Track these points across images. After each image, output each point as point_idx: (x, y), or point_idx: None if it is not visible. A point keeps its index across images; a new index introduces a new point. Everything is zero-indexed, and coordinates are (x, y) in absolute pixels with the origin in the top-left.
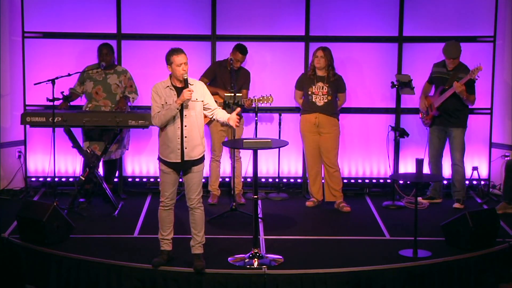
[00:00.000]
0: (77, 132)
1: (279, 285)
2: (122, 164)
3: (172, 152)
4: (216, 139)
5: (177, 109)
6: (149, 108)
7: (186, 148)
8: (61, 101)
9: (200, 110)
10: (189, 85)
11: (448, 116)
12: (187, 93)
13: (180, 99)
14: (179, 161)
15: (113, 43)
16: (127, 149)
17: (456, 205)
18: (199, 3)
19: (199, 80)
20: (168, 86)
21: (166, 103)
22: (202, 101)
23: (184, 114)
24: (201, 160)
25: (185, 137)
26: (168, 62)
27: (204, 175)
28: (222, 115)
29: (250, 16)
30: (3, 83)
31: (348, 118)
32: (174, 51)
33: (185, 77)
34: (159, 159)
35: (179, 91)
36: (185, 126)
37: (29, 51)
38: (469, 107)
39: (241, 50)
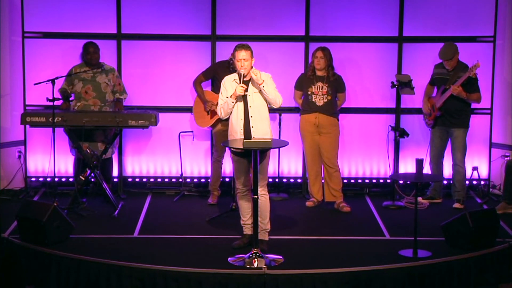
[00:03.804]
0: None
1: (279, 285)
2: (122, 164)
3: (235, 141)
4: (218, 140)
5: (232, 102)
6: (148, 108)
7: (254, 138)
8: (61, 101)
9: (264, 101)
10: (251, 77)
11: (450, 117)
12: (239, 89)
13: (234, 94)
14: (242, 151)
15: (113, 43)
16: (116, 148)
17: (456, 205)
18: (199, 3)
19: (197, 78)
20: (235, 80)
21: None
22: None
23: (248, 106)
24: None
25: (252, 127)
26: (233, 56)
27: (205, 175)
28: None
29: (250, 16)
30: (3, 83)
31: (348, 118)
32: (238, 46)
33: (241, 72)
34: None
35: (245, 83)
36: (251, 116)
37: (29, 51)
38: (473, 106)
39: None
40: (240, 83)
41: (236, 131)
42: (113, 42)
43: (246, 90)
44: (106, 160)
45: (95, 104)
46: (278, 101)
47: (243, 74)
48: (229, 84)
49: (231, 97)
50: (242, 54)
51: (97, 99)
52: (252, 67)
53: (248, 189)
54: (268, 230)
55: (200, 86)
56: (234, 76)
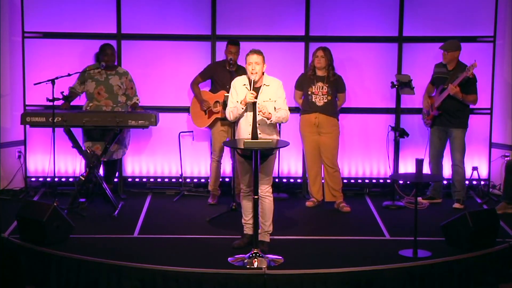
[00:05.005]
0: (78, 132)
1: (279, 285)
2: (122, 164)
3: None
4: (216, 140)
5: (242, 108)
6: (149, 108)
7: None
8: (61, 101)
9: (273, 109)
10: (264, 85)
11: (449, 117)
12: (249, 95)
13: (244, 101)
14: (247, 154)
15: (113, 43)
16: (127, 149)
17: (456, 205)
18: (199, 3)
19: (194, 79)
20: (245, 84)
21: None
22: (275, 101)
23: (257, 113)
24: (271, 151)
25: (259, 134)
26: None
27: (205, 175)
28: (279, 114)
29: (250, 16)
30: (3, 83)
31: (348, 118)
32: (250, 51)
33: (252, 78)
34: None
35: (255, 90)
36: (259, 124)
37: (29, 51)
38: (472, 106)
39: (232, 42)
40: (250, 89)
41: (243, 136)
42: (113, 42)
43: (256, 97)
44: (115, 161)
45: (107, 105)
46: (286, 120)
47: (254, 80)
48: (240, 87)
49: (241, 103)
50: (254, 58)
51: (110, 100)
52: (263, 73)
53: (252, 190)
54: (270, 232)
55: (197, 87)
56: (244, 79)
